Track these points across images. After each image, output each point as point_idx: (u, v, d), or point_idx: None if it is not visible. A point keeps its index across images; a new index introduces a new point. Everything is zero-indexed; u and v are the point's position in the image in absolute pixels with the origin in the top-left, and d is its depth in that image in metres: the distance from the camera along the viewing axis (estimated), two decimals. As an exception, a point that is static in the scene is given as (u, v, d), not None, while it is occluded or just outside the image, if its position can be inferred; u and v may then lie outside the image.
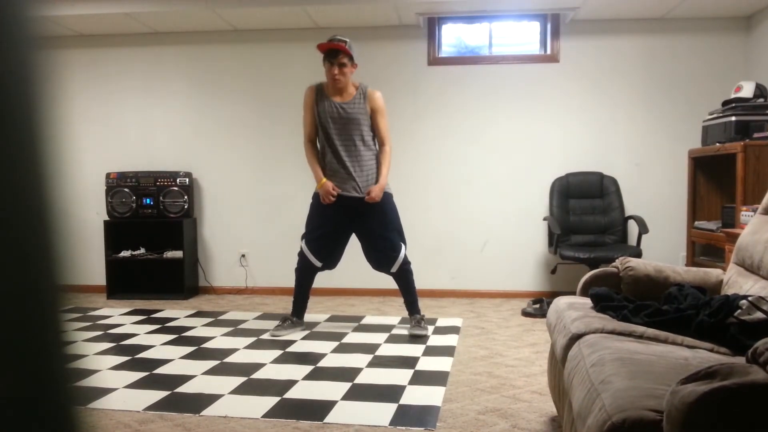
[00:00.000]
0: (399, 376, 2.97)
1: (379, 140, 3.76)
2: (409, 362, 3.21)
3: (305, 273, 3.81)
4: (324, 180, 3.66)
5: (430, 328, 3.92)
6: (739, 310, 1.83)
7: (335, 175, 3.69)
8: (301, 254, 3.78)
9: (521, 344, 3.59)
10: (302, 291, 3.87)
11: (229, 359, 3.30)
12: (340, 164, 3.67)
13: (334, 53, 3.57)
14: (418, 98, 5.02)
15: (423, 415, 2.47)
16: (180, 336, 3.82)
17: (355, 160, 3.67)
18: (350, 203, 3.69)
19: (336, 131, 3.66)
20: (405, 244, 3.82)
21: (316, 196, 3.77)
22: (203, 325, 4.11)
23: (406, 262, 3.78)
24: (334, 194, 3.64)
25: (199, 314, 4.47)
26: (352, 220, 3.74)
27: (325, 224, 3.71)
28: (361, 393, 2.74)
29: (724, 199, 4.41)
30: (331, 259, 3.81)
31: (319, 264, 3.77)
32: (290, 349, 3.50)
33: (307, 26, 5.04)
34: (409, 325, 3.86)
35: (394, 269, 3.76)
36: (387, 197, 3.75)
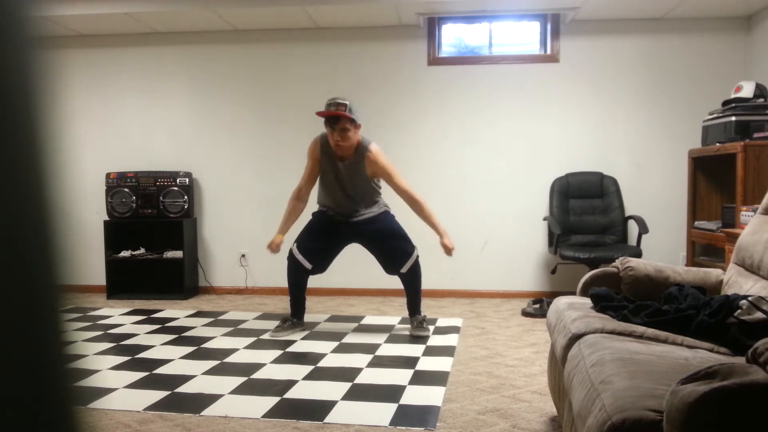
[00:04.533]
0: (399, 376, 2.97)
1: (406, 198, 3.68)
2: (409, 362, 3.21)
3: (297, 275, 3.81)
4: (279, 236, 3.76)
5: (431, 328, 3.92)
6: (739, 310, 1.83)
7: (337, 207, 3.75)
8: (291, 258, 3.79)
9: (521, 344, 3.59)
10: (298, 293, 3.87)
11: (229, 359, 3.30)
12: (341, 205, 3.73)
13: (335, 120, 3.50)
14: (418, 98, 5.02)
15: (423, 415, 2.47)
16: (180, 336, 3.82)
17: (356, 203, 3.73)
18: (350, 224, 3.76)
19: (340, 182, 3.70)
20: (416, 248, 3.81)
21: (316, 215, 3.84)
22: (203, 325, 4.11)
23: (416, 264, 3.77)
24: (275, 250, 3.75)
25: (199, 314, 4.47)
26: (354, 237, 3.78)
27: (323, 241, 3.76)
28: (361, 393, 2.74)
29: (724, 199, 4.41)
30: (322, 265, 3.83)
31: (309, 266, 3.77)
32: (290, 349, 3.50)
33: (307, 26, 5.04)
34: (410, 326, 3.85)
35: (404, 270, 3.76)
36: (385, 215, 3.79)
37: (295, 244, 3.79)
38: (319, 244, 3.77)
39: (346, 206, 3.74)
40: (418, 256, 3.78)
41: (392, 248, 3.72)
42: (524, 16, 4.99)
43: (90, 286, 5.38)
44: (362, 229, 3.74)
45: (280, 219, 5.19)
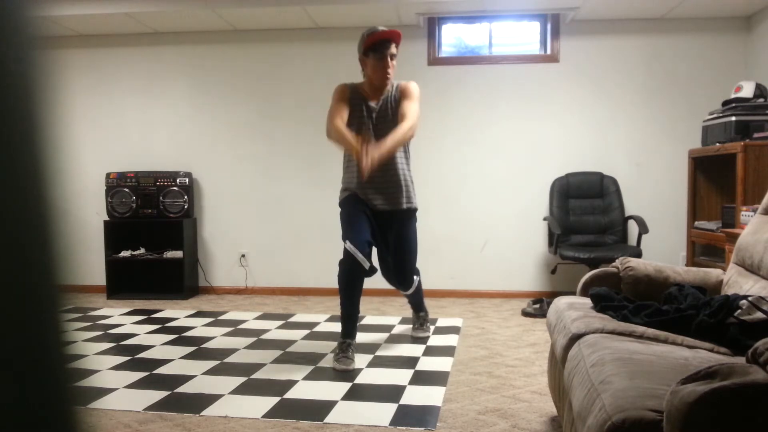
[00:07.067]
0: (399, 376, 2.97)
1: (401, 117, 3.14)
2: (409, 362, 3.21)
3: (352, 278, 3.12)
4: (358, 145, 2.93)
5: (431, 328, 3.92)
6: (739, 310, 1.83)
7: (365, 184, 3.26)
8: (346, 257, 3.12)
9: (521, 344, 3.59)
10: (353, 303, 3.17)
11: (229, 359, 3.30)
12: (372, 173, 3.21)
13: (386, 44, 3.09)
14: (418, 98, 5.02)
15: (423, 415, 2.47)
16: (180, 336, 3.82)
17: (387, 169, 3.24)
18: (375, 212, 3.31)
19: (371, 132, 3.22)
20: (418, 276, 3.56)
21: (343, 204, 3.31)
22: (203, 325, 4.10)
23: (418, 285, 3.60)
24: (367, 167, 2.90)
25: (199, 314, 4.47)
26: (379, 232, 3.35)
27: (361, 216, 3.20)
28: (361, 393, 2.74)
29: (724, 199, 4.41)
30: (371, 257, 3.19)
31: (367, 264, 3.12)
32: (290, 349, 3.50)
33: (307, 26, 5.04)
34: (412, 325, 3.84)
35: (402, 293, 3.58)
36: (410, 215, 3.36)
37: (347, 240, 3.13)
38: (364, 226, 3.18)
39: (380, 174, 3.23)
40: (419, 281, 3.61)
41: (399, 262, 3.37)
42: (524, 16, 4.99)
43: (90, 286, 5.38)
44: (390, 225, 3.31)
45: (280, 219, 5.21)
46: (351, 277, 3.12)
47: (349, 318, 3.20)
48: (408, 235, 3.35)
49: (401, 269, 3.37)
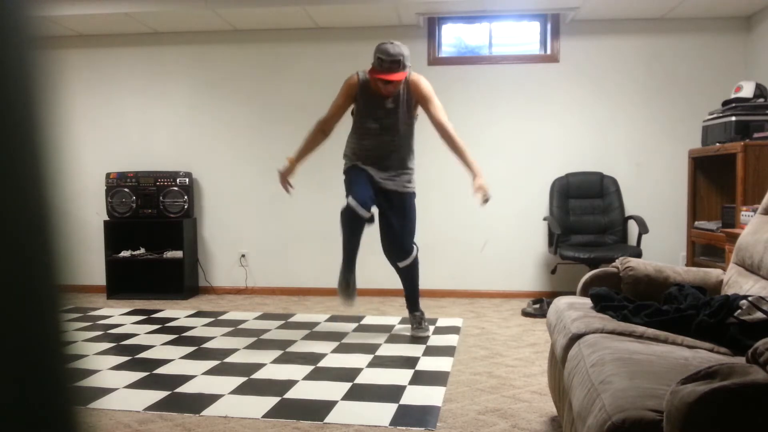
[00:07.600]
0: (399, 376, 2.97)
1: (440, 130, 3.46)
2: (409, 362, 3.21)
3: (352, 218, 3.38)
4: (292, 162, 3.59)
5: (431, 328, 3.92)
6: (739, 310, 1.83)
7: (373, 163, 3.54)
8: (346, 208, 3.39)
9: (521, 344, 3.59)
10: (354, 237, 3.44)
11: (229, 359, 3.30)
12: (379, 153, 3.52)
13: (390, 75, 3.33)
14: (418, 98, 5.02)
15: (423, 415, 2.47)
16: (180, 336, 3.82)
17: (395, 150, 3.53)
18: (379, 186, 3.56)
19: (379, 124, 3.50)
20: (416, 246, 3.72)
21: (347, 172, 3.60)
22: (203, 325, 4.11)
23: (416, 260, 3.71)
24: (288, 188, 3.68)
25: (199, 314, 4.47)
26: (378, 196, 3.59)
27: (364, 179, 3.50)
28: (361, 393, 2.74)
29: (724, 199, 4.41)
30: (371, 208, 3.46)
31: (366, 214, 3.38)
32: (290, 349, 3.50)
33: (307, 26, 5.04)
34: (410, 326, 3.84)
35: (401, 265, 3.69)
36: (411, 198, 3.63)
37: (350, 196, 3.41)
38: (371, 192, 3.46)
39: (385, 157, 3.52)
40: (417, 255, 3.73)
41: (398, 238, 3.58)
42: (524, 16, 4.99)
43: (90, 286, 5.38)
44: (390, 201, 3.57)
45: (280, 219, 5.21)
46: (351, 216, 3.39)
47: (349, 248, 3.47)
48: (406, 208, 3.61)
49: (400, 232, 3.59)
